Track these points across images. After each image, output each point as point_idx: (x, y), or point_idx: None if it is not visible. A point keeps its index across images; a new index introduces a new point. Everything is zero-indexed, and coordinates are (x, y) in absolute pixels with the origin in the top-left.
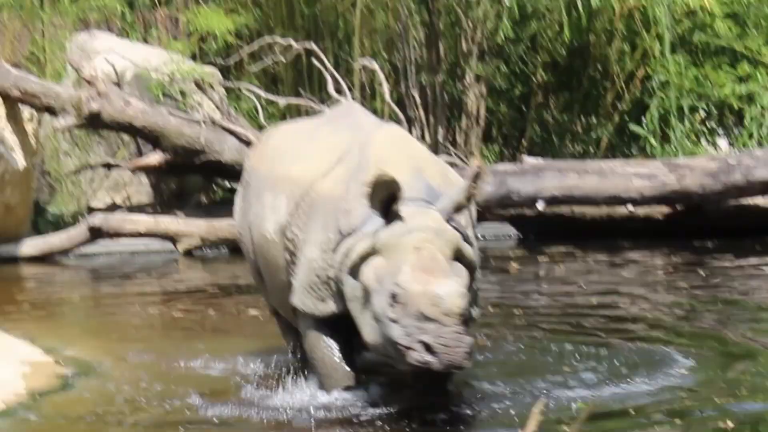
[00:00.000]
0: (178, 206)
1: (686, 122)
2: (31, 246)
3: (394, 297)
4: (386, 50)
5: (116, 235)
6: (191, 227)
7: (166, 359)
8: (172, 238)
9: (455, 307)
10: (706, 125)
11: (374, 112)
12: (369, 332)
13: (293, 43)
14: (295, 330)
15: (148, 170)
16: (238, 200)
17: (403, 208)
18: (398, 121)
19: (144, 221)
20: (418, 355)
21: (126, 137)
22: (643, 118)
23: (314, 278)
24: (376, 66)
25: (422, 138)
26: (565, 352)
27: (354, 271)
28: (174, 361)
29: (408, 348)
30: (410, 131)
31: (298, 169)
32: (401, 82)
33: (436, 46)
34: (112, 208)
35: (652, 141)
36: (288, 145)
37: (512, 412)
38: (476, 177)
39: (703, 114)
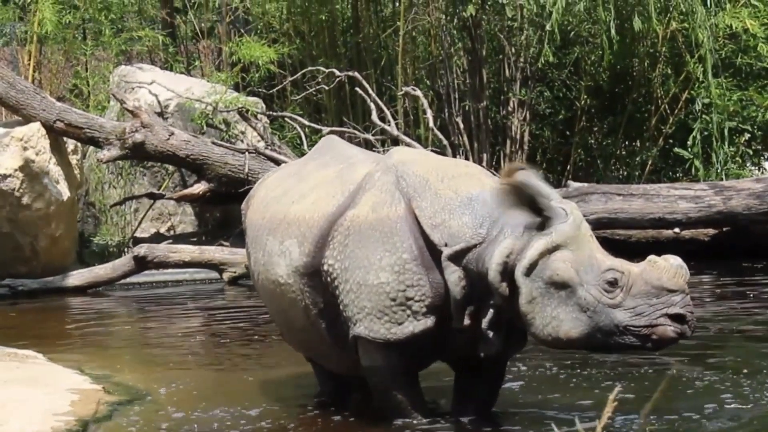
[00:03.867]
0: (223, 235)
1: (731, 145)
2: (76, 277)
3: (612, 283)
4: (429, 77)
5: (161, 265)
6: (236, 256)
7: (214, 387)
8: (217, 267)
9: (688, 275)
10: (750, 147)
11: (418, 139)
12: (572, 326)
13: (336, 71)
14: (332, 375)
15: (192, 200)
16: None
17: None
18: (443, 148)
19: (189, 251)
20: (670, 329)
21: (170, 168)
22: (687, 141)
23: (387, 302)
24: (419, 93)
25: None
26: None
27: (530, 271)
28: (221, 390)
29: (652, 326)
30: (455, 157)
31: (300, 209)
32: (445, 109)
33: (479, 72)
34: (157, 238)
35: (697, 164)
36: (277, 190)
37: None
38: None
39: (747, 136)
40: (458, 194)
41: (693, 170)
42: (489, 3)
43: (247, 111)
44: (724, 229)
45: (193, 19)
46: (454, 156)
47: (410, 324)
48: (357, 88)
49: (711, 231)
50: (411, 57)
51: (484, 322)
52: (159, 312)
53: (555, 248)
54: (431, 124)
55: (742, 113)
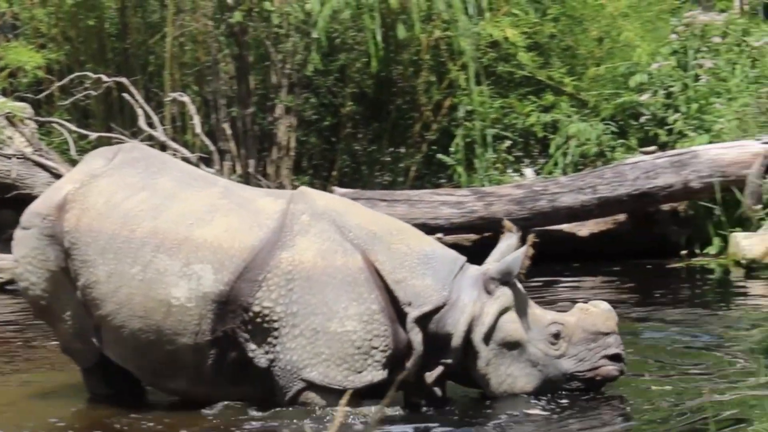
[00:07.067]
0: None
1: (492, 151)
2: None
3: (556, 335)
4: (197, 83)
5: None
6: (3, 262)
7: None
8: None
9: (617, 317)
10: (511, 154)
11: (185, 145)
12: (527, 381)
13: (104, 77)
14: (110, 385)
15: None
16: (36, 259)
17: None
18: (210, 153)
19: None
20: (613, 369)
21: None
22: (450, 147)
23: (351, 350)
24: (186, 99)
25: (233, 170)
26: None
27: (489, 336)
28: None
29: (594, 369)
30: (221, 163)
31: (210, 234)
32: (212, 115)
33: (246, 78)
34: None
35: (459, 170)
36: (138, 204)
37: None
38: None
39: (508, 143)
40: (412, 249)
41: (456, 176)
42: (256, 10)
43: (15, 116)
44: (486, 234)
45: None
46: (221, 162)
47: (369, 373)
48: (125, 94)
49: (473, 236)
50: (178, 63)
51: (429, 378)
52: None
53: (504, 311)
54: (198, 130)
55: (504, 120)
